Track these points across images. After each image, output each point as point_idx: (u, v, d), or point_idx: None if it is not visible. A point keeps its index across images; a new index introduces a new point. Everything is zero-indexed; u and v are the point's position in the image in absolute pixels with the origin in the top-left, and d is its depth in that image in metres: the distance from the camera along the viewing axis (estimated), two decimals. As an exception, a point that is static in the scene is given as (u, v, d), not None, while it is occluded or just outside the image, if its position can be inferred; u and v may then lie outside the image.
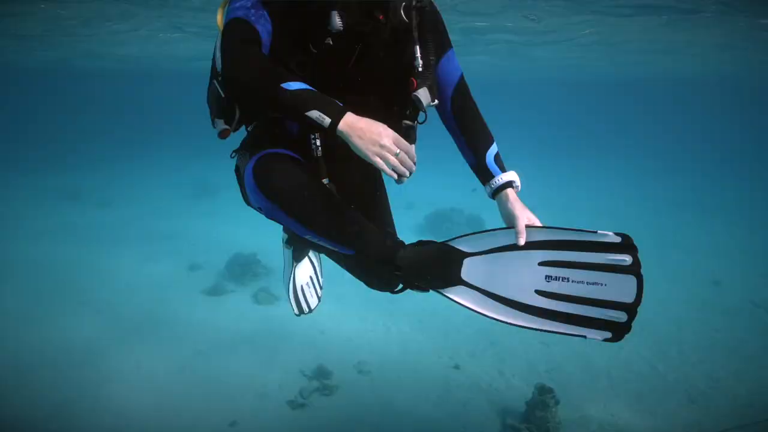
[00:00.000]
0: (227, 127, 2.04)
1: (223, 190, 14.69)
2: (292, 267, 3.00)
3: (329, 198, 1.80)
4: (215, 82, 2.03)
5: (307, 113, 1.53)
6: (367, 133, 1.55)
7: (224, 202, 13.53)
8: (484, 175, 2.02)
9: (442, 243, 1.88)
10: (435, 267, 1.85)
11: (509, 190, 1.95)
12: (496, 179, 1.98)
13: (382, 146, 1.56)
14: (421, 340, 6.25)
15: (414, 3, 1.89)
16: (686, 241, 10.88)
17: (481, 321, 6.72)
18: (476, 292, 1.85)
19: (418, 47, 1.90)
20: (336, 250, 1.87)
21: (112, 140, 26.48)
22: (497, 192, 1.97)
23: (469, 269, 1.85)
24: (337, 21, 1.73)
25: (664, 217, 13.20)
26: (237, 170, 2.14)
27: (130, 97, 46.34)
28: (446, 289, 1.87)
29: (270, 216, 1.86)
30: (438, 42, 2.00)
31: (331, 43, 1.79)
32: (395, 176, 1.61)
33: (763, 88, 29.93)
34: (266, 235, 10.32)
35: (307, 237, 1.83)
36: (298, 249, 3.02)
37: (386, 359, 5.80)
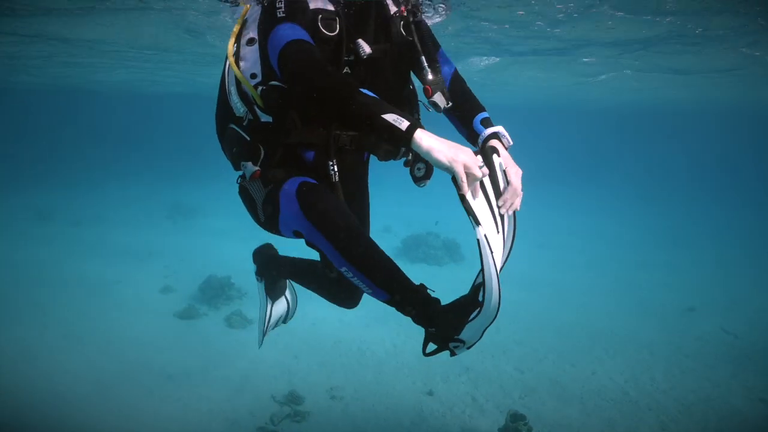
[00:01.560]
0: (257, 168, 2.10)
1: (197, 212, 14.58)
2: (267, 305, 3.13)
3: (371, 241, 1.94)
4: (234, 127, 2.13)
5: (383, 115, 1.60)
6: (446, 147, 1.60)
7: (198, 224, 13.42)
8: (473, 137, 2.16)
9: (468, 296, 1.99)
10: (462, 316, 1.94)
11: (493, 141, 2.05)
12: (481, 135, 2.11)
13: (461, 163, 1.60)
14: (395, 364, 6.19)
15: (411, 19, 2.12)
16: (659, 268, 11.08)
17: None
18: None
19: (424, 58, 2.10)
20: (360, 283, 1.91)
21: (85, 160, 26.10)
22: (483, 145, 2.08)
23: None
24: (364, 48, 1.99)
25: (638, 245, 13.46)
26: (244, 192, 2.26)
27: (103, 118, 45.91)
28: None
29: (310, 239, 1.94)
30: (432, 47, 2.23)
31: (349, 70, 2.03)
32: (466, 186, 1.63)
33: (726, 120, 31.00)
34: (241, 258, 10.22)
35: (342, 269, 1.89)
36: (270, 283, 3.15)
37: (360, 384, 5.72)
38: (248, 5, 2.22)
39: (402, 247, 11.25)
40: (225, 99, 2.16)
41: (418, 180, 2.24)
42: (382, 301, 1.96)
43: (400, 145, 1.62)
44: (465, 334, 1.91)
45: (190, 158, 28.03)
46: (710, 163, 44.35)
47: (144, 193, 17.63)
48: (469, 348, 1.99)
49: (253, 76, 2.02)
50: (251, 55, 2.04)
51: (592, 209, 19.22)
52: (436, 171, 2.51)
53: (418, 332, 5.74)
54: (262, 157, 2.09)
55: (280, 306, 3.25)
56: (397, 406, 5.35)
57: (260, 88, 2.00)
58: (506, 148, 2.07)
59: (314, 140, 2.08)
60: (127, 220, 13.27)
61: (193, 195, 17.13)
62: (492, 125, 2.13)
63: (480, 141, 2.11)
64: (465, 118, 2.20)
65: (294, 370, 5.99)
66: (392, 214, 14.41)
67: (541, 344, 6.83)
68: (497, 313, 1.84)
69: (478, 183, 1.74)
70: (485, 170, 1.66)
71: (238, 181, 2.28)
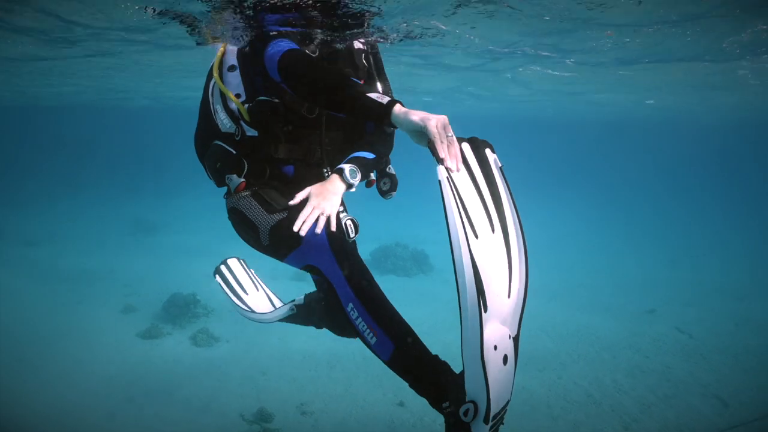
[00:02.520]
0: (243, 179, 2.27)
1: (159, 228, 14.27)
2: (228, 286, 3.34)
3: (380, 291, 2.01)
4: (219, 142, 2.32)
5: (368, 94, 1.77)
6: (422, 112, 1.69)
7: (160, 241, 13.12)
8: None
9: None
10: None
11: (333, 175, 2.22)
12: (338, 166, 2.28)
13: (436, 119, 1.66)
14: (365, 377, 6.20)
15: (369, 50, 2.49)
16: (618, 273, 11.44)
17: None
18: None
19: (378, 84, 2.43)
20: (371, 330, 1.89)
21: (41, 176, 25.20)
22: (329, 174, 2.33)
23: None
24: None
25: (598, 250, 13.87)
26: (236, 214, 2.34)
27: (60, 133, 44.48)
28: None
29: (327, 276, 1.99)
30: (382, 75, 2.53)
31: None
32: (443, 151, 1.63)
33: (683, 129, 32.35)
34: (206, 275, 10.05)
35: (348, 307, 1.92)
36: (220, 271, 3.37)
37: (330, 399, 5.70)
38: (224, 45, 2.45)
39: (371, 259, 11.28)
40: (209, 118, 2.36)
41: (385, 193, 2.54)
42: (383, 357, 1.88)
43: (382, 116, 1.73)
44: (469, 385, 1.66)
45: (150, 173, 27.43)
46: (674, 172, 46.15)
47: (102, 209, 17.14)
48: (487, 419, 1.61)
49: (238, 96, 2.26)
50: (233, 79, 2.29)
51: (558, 214, 19.71)
52: (400, 185, 2.62)
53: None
54: (246, 170, 2.26)
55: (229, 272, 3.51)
56: (368, 419, 5.35)
57: (246, 105, 2.23)
58: (344, 184, 2.21)
59: (296, 154, 2.32)
60: (84, 238, 12.87)
61: (154, 211, 16.76)
62: (352, 162, 2.27)
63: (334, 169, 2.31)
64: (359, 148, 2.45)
65: (262, 387, 5.92)
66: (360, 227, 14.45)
67: (507, 351, 6.95)
68: (480, 308, 1.57)
69: (458, 152, 1.69)
70: (452, 135, 1.69)
71: (228, 205, 2.39)
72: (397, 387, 5.95)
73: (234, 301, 3.22)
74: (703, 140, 38.62)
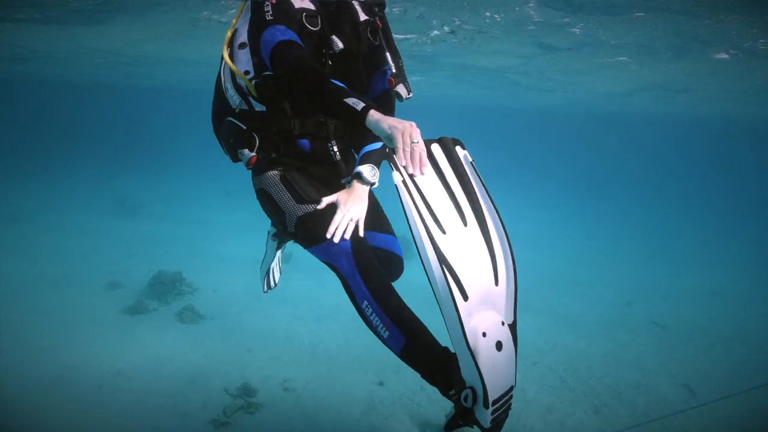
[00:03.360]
0: (254, 153, 2.35)
1: (144, 207, 14.25)
2: (275, 255, 3.30)
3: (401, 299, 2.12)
4: (231, 119, 2.40)
5: (345, 99, 1.88)
6: (391, 118, 1.83)
7: (145, 220, 13.12)
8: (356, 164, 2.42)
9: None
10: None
11: (354, 180, 2.33)
12: (355, 170, 2.37)
13: (402, 128, 1.79)
14: (347, 357, 6.34)
15: (376, 26, 2.51)
16: (600, 265, 11.69)
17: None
18: None
19: (388, 55, 2.48)
20: (384, 326, 2.02)
21: (23, 152, 24.89)
22: (351, 179, 2.35)
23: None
24: (338, 43, 2.34)
25: (577, 243, 14.11)
26: (264, 196, 2.43)
27: (45, 108, 43.80)
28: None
29: (344, 276, 2.15)
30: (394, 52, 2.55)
31: (330, 62, 2.36)
32: (403, 159, 1.79)
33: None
34: (191, 254, 10.14)
35: (363, 304, 2.07)
36: (282, 242, 3.30)
37: (312, 377, 5.84)
38: (242, 6, 2.48)
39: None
40: (222, 95, 2.42)
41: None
42: (395, 350, 2.03)
43: (355, 121, 1.86)
44: (464, 372, 1.78)
45: (135, 153, 27.20)
46: (655, 167, 46.72)
47: (87, 188, 17.03)
48: (486, 404, 1.71)
49: (247, 72, 2.31)
50: (243, 56, 2.34)
51: (538, 207, 19.95)
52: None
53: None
54: (257, 144, 2.35)
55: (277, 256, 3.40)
56: (348, 397, 5.50)
57: (254, 80, 2.29)
58: (367, 185, 2.32)
59: (308, 129, 2.39)
60: (68, 215, 12.82)
61: (139, 190, 16.71)
62: (368, 161, 2.36)
63: (352, 175, 2.38)
64: (360, 143, 2.49)
65: (246, 364, 6.04)
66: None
67: (487, 337, 7.14)
68: (453, 296, 1.67)
69: (423, 156, 1.81)
70: (420, 144, 1.80)
71: (255, 186, 2.48)
72: (378, 367, 6.12)
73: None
74: (688, 133, 39.15)
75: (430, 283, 1.75)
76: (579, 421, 5.36)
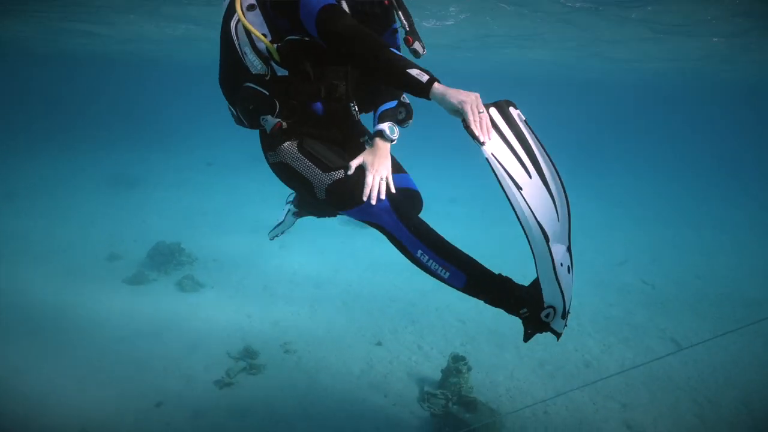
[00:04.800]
0: (278, 119, 2.29)
1: (141, 181, 14.26)
2: (287, 219, 3.34)
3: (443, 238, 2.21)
4: (251, 84, 2.30)
5: (408, 69, 1.89)
6: (456, 91, 1.88)
7: (142, 193, 13.16)
8: (374, 124, 2.46)
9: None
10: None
11: (377, 138, 2.36)
12: (374, 128, 2.42)
13: (470, 101, 1.87)
14: (345, 321, 6.52)
15: None
16: (590, 227, 11.84)
17: (403, 301, 7.17)
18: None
19: (400, 13, 2.43)
20: (443, 268, 2.15)
21: (19, 128, 24.65)
22: (372, 138, 2.40)
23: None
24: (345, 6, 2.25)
25: (578, 205, 14.24)
26: (284, 168, 2.37)
27: (39, 83, 43.14)
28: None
29: (392, 232, 2.20)
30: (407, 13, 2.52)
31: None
32: (477, 129, 1.89)
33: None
34: (190, 226, 10.24)
35: (417, 253, 2.17)
36: (301, 214, 3.33)
37: (312, 339, 6.02)
38: None
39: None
40: (237, 61, 2.31)
41: (401, 122, 2.53)
42: (458, 287, 2.17)
43: (419, 93, 1.89)
44: (546, 295, 2.04)
45: (129, 127, 26.96)
46: (649, 132, 46.70)
47: (82, 162, 16.95)
48: (564, 315, 2.04)
49: (263, 35, 2.24)
50: (255, 18, 2.26)
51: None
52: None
53: (369, 290, 6.23)
54: (278, 110, 2.29)
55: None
56: (347, 357, 5.69)
57: (275, 44, 2.22)
58: (389, 142, 2.36)
59: (323, 92, 2.33)
60: (65, 190, 12.84)
61: (134, 165, 16.67)
62: (387, 119, 2.40)
63: (372, 132, 2.43)
64: (375, 102, 2.51)
65: (247, 329, 6.21)
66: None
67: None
68: (546, 243, 1.92)
69: (489, 124, 1.97)
70: (483, 112, 1.94)
71: (272, 159, 2.41)
72: (375, 329, 6.30)
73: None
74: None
75: (525, 233, 1.96)
76: (570, 374, 5.57)
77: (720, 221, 13.26)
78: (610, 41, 13.41)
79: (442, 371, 5.18)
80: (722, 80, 21.84)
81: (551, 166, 2.17)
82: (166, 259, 7.88)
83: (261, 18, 2.25)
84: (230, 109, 2.58)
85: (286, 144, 2.35)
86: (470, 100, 1.87)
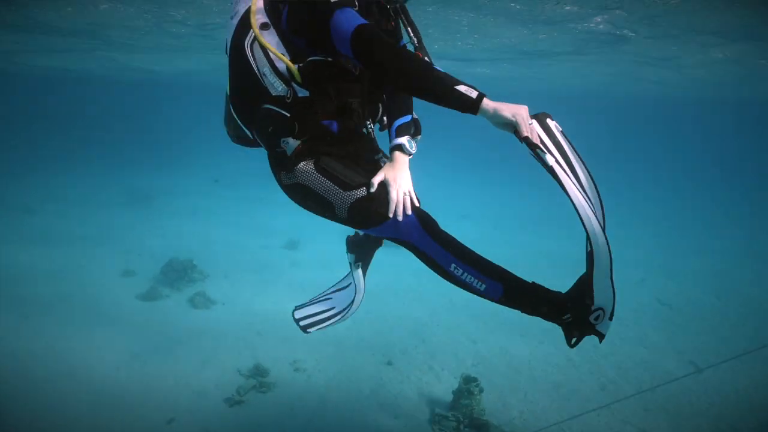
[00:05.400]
0: (299, 141, 2.20)
1: (155, 198, 14.43)
2: (363, 281, 3.17)
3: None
4: (270, 106, 2.20)
5: (456, 86, 1.87)
6: (506, 104, 1.90)
7: (157, 209, 13.31)
8: (390, 138, 2.44)
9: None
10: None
11: (396, 153, 2.35)
12: (391, 143, 2.41)
13: (522, 113, 1.90)
14: (355, 339, 6.47)
15: (396, 5, 2.41)
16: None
17: (413, 320, 7.10)
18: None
19: (409, 29, 2.41)
20: (479, 281, 2.12)
21: (38, 145, 25.19)
22: (390, 153, 2.38)
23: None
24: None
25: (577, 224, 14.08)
26: (301, 189, 2.27)
27: (54, 103, 44.16)
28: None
29: (421, 248, 2.16)
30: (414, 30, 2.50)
31: None
32: (524, 129, 1.90)
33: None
34: (203, 241, 10.30)
35: (450, 267, 2.12)
36: (362, 255, 3.13)
37: (322, 357, 5.98)
38: None
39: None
40: (254, 82, 2.21)
41: (413, 138, 2.51)
42: (494, 298, 2.13)
43: (468, 110, 1.88)
44: (598, 298, 2.04)
45: (146, 144, 27.42)
46: (677, 148, 46.32)
47: (98, 179, 17.23)
48: (611, 317, 2.07)
49: (273, 55, 2.16)
50: (271, 38, 2.19)
51: (540, 188, 19.89)
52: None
53: (378, 307, 6.15)
54: (296, 131, 2.20)
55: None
56: (357, 376, 5.63)
57: (296, 65, 2.14)
58: (408, 156, 2.35)
59: (338, 111, 2.26)
60: (81, 206, 13.03)
61: (149, 181, 16.90)
62: (405, 133, 2.41)
63: (389, 149, 2.41)
64: (389, 117, 2.49)
65: (258, 346, 6.19)
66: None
67: (492, 317, 7.23)
68: (607, 243, 1.92)
69: (537, 135, 1.98)
70: (532, 123, 1.97)
71: (286, 181, 2.30)
72: (385, 348, 6.24)
73: (337, 320, 3.21)
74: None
75: (588, 236, 1.96)
76: (585, 397, 5.45)
77: (739, 238, 13.02)
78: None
79: (454, 392, 5.10)
80: (737, 98, 21.66)
81: (589, 176, 2.17)
82: (178, 275, 7.93)
83: (276, 38, 2.18)
84: (228, 129, 2.54)
85: (301, 164, 2.23)
86: (522, 113, 1.89)
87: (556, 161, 2.01)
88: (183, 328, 6.56)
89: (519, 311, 2.18)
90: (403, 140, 2.36)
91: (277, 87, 2.17)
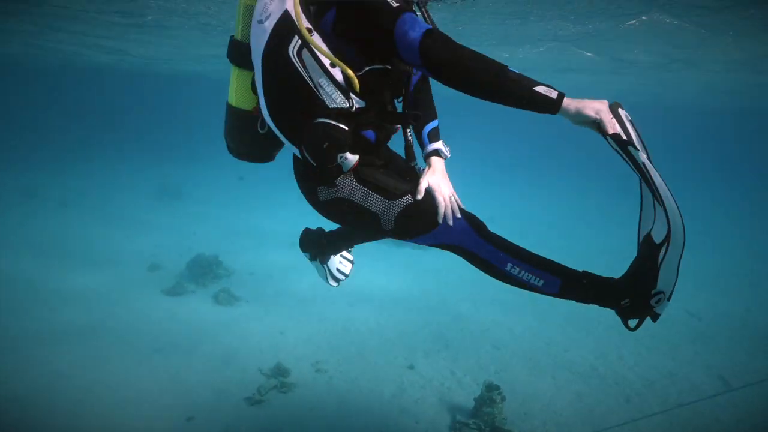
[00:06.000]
0: (357, 156, 2.07)
1: (185, 193, 14.65)
2: (325, 269, 3.19)
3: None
4: (325, 120, 1.99)
5: (535, 88, 1.81)
6: (589, 102, 1.86)
7: (185, 204, 13.52)
8: (422, 144, 2.41)
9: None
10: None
11: (434, 158, 2.32)
12: (426, 148, 2.38)
13: (605, 109, 1.87)
14: (377, 341, 6.46)
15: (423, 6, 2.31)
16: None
17: (437, 324, 7.06)
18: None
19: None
20: (537, 277, 2.13)
21: (72, 139, 25.82)
22: (426, 158, 2.35)
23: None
24: None
25: (617, 229, 13.87)
26: (341, 203, 2.15)
27: (91, 96, 45.16)
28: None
29: (475, 251, 2.14)
30: None
31: None
32: (609, 126, 1.87)
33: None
34: (228, 238, 10.42)
35: (507, 267, 2.12)
36: (319, 254, 3.16)
37: (344, 359, 5.98)
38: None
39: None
40: (307, 94, 1.98)
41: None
42: (552, 293, 2.14)
43: (548, 110, 1.83)
44: (661, 281, 2.08)
45: (177, 140, 27.87)
46: (696, 156, 45.27)
47: (131, 173, 17.60)
48: (670, 298, 2.12)
49: (329, 64, 1.97)
50: (320, 44, 1.98)
51: (570, 196, 19.62)
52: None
53: (402, 310, 6.11)
54: (352, 145, 2.07)
55: (333, 259, 3.24)
56: (379, 379, 5.62)
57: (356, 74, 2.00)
58: (443, 159, 2.35)
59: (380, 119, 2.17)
60: (113, 200, 13.33)
61: (180, 176, 17.16)
62: (437, 138, 2.39)
63: (424, 155, 2.39)
64: (418, 125, 2.44)
65: (280, 345, 6.22)
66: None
67: (517, 323, 7.15)
68: (684, 234, 1.95)
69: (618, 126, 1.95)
70: (613, 118, 1.92)
71: (324, 197, 2.15)
72: (408, 351, 6.21)
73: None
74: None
75: (669, 222, 1.97)
76: (609, 409, 5.35)
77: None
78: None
79: (475, 400, 5.05)
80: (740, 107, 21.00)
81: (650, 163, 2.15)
82: (204, 271, 8.02)
83: (325, 45, 1.97)
84: (234, 144, 2.40)
85: (341, 178, 2.09)
86: (604, 108, 1.85)
87: (648, 157, 1.95)
88: (207, 325, 6.63)
89: (575, 301, 2.18)
90: (439, 145, 2.35)
91: (335, 99, 1.98)
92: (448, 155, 2.36)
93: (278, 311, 7.18)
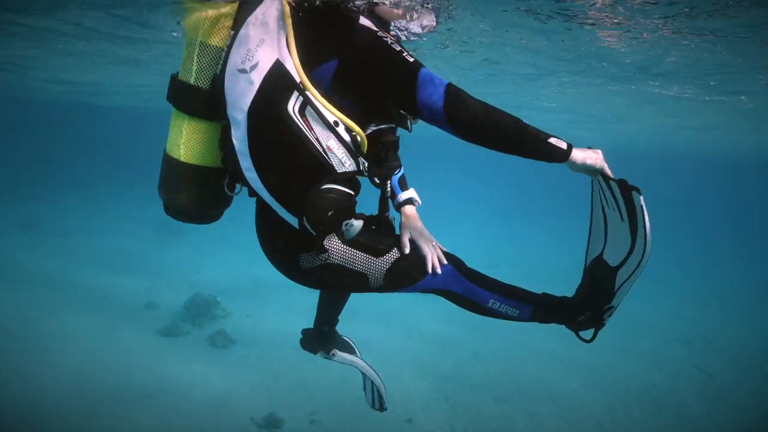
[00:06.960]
0: (361, 220, 1.95)
1: (187, 230, 14.56)
2: (365, 380, 3.31)
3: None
4: (332, 185, 1.80)
5: (548, 140, 1.84)
6: (589, 151, 1.96)
7: (186, 242, 13.42)
8: (392, 194, 2.37)
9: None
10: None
11: (407, 207, 2.33)
12: (398, 197, 2.37)
13: (602, 158, 1.97)
14: (375, 391, 6.24)
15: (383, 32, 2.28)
16: (638, 305, 11.25)
17: (437, 374, 6.87)
18: None
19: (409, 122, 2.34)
20: (514, 308, 2.20)
21: (74, 171, 26.05)
22: (399, 207, 2.34)
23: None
24: None
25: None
26: (328, 269, 2.00)
27: (95, 131, 45.92)
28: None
29: (462, 293, 2.17)
30: None
31: None
32: (609, 172, 1.99)
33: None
34: (227, 278, 10.28)
35: (489, 303, 2.17)
36: (329, 342, 3.15)
37: (340, 409, 5.77)
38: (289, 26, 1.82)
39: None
40: (315, 159, 1.77)
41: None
42: (526, 318, 2.23)
43: (558, 159, 1.88)
44: (617, 298, 2.19)
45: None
46: (703, 202, 45.24)
47: (132, 209, 17.60)
48: (612, 314, 2.26)
49: (335, 124, 1.78)
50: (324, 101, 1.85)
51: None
52: None
53: (400, 358, 5.93)
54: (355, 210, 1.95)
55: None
56: (375, 432, 5.40)
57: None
58: (415, 206, 2.36)
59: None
60: (115, 234, 13.25)
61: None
62: (406, 186, 2.40)
63: (396, 204, 2.35)
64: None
65: (274, 391, 6.03)
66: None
67: (521, 375, 6.93)
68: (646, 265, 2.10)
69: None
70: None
71: (308, 264, 1.98)
72: (406, 404, 6.00)
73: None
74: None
75: (644, 250, 2.04)
76: (616, 472, 5.10)
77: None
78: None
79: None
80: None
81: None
82: (201, 311, 7.88)
83: (326, 101, 1.78)
84: (181, 199, 2.20)
85: (328, 242, 1.94)
86: (602, 156, 1.96)
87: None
88: (201, 368, 6.44)
89: (539, 323, 2.27)
90: (412, 193, 2.37)
91: (345, 162, 1.79)
92: (420, 202, 2.37)
93: (273, 356, 6.98)
